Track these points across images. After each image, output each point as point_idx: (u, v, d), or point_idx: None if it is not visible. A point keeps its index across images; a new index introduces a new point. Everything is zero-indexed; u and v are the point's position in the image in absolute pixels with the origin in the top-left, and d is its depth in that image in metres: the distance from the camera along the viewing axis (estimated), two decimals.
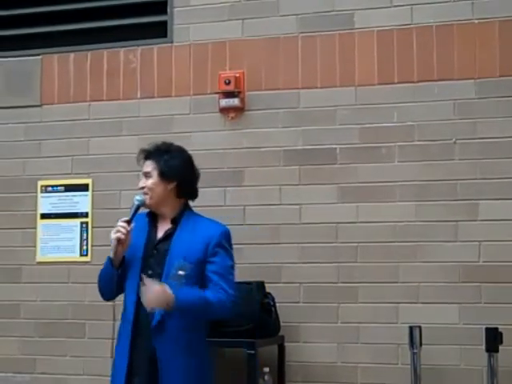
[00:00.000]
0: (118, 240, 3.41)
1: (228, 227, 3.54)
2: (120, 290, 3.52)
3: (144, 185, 3.53)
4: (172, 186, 3.50)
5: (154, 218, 3.55)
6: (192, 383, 3.38)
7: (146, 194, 3.51)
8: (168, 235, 3.47)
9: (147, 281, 3.27)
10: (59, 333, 4.78)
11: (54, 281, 4.84)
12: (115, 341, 3.52)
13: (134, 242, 3.46)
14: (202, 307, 3.33)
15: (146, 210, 3.56)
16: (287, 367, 4.41)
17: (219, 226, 3.53)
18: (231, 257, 3.50)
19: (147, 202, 3.50)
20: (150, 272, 3.39)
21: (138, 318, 3.38)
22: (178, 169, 3.52)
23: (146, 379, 3.35)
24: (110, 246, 4.68)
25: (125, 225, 3.41)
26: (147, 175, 3.54)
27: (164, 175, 3.49)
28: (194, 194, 3.59)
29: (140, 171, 4.67)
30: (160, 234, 3.50)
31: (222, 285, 3.37)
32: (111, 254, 3.45)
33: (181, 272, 3.37)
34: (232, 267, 3.48)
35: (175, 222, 3.50)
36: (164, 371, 3.31)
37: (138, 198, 3.51)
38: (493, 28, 4.32)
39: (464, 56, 4.35)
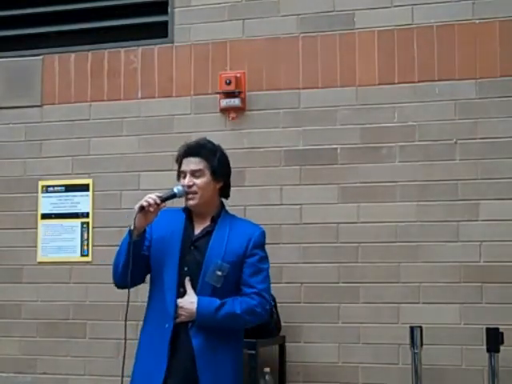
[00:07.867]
0: (142, 208, 3.26)
1: (263, 228, 3.54)
2: (138, 277, 3.38)
3: (192, 183, 3.39)
4: (219, 185, 3.46)
5: (189, 214, 3.47)
6: (229, 379, 3.35)
7: (195, 193, 3.39)
8: (207, 233, 3.41)
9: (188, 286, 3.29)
10: (60, 333, 4.78)
11: (54, 281, 4.83)
12: (137, 341, 3.46)
13: (170, 236, 3.39)
14: (228, 320, 3.30)
15: (182, 206, 3.50)
16: (288, 367, 4.41)
17: (257, 226, 3.52)
18: (267, 259, 3.48)
19: (194, 202, 3.38)
20: (185, 268, 3.34)
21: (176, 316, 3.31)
22: (227, 168, 3.50)
23: (183, 380, 3.28)
24: (110, 246, 4.72)
25: (155, 198, 3.27)
26: (196, 173, 3.39)
27: (216, 174, 3.42)
28: (229, 194, 3.56)
29: (139, 171, 4.77)
30: (197, 231, 3.42)
31: (257, 289, 3.35)
32: (131, 226, 3.29)
33: (219, 273, 3.31)
34: (268, 270, 3.45)
35: (214, 220, 3.43)
36: (202, 369, 3.25)
37: (179, 188, 3.35)
38: (493, 28, 4.32)
39: (465, 56, 4.35)
